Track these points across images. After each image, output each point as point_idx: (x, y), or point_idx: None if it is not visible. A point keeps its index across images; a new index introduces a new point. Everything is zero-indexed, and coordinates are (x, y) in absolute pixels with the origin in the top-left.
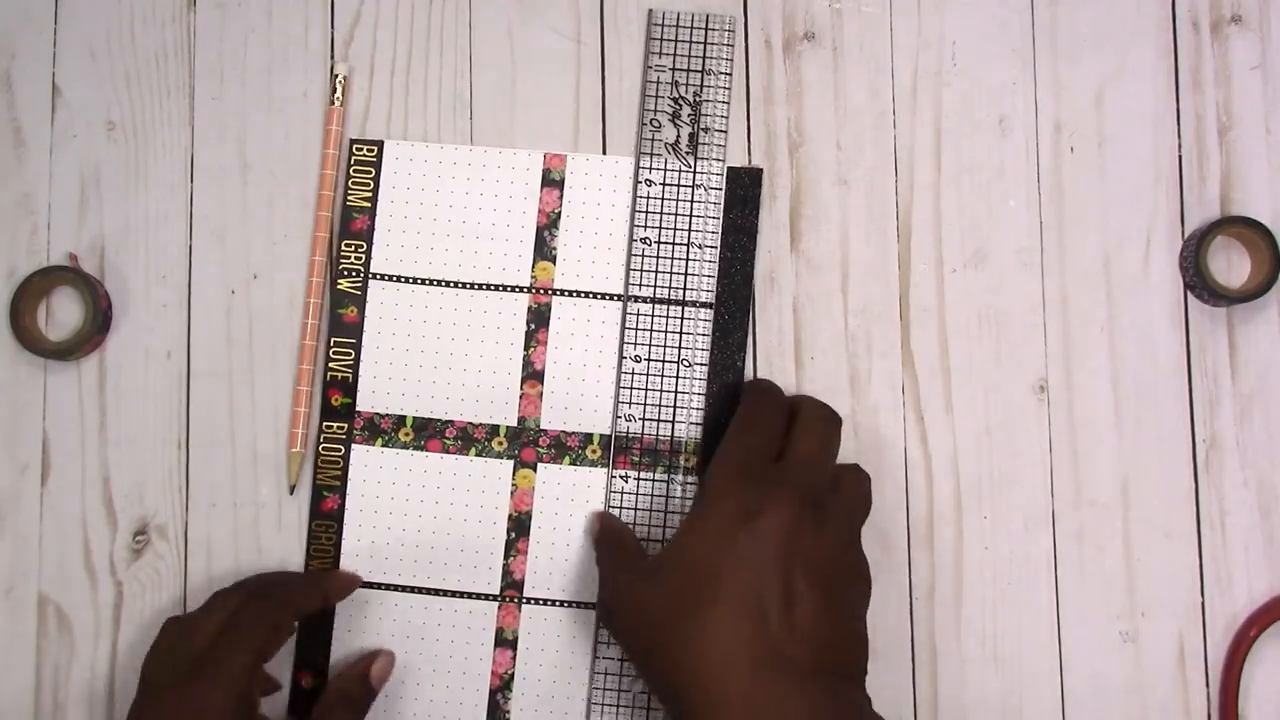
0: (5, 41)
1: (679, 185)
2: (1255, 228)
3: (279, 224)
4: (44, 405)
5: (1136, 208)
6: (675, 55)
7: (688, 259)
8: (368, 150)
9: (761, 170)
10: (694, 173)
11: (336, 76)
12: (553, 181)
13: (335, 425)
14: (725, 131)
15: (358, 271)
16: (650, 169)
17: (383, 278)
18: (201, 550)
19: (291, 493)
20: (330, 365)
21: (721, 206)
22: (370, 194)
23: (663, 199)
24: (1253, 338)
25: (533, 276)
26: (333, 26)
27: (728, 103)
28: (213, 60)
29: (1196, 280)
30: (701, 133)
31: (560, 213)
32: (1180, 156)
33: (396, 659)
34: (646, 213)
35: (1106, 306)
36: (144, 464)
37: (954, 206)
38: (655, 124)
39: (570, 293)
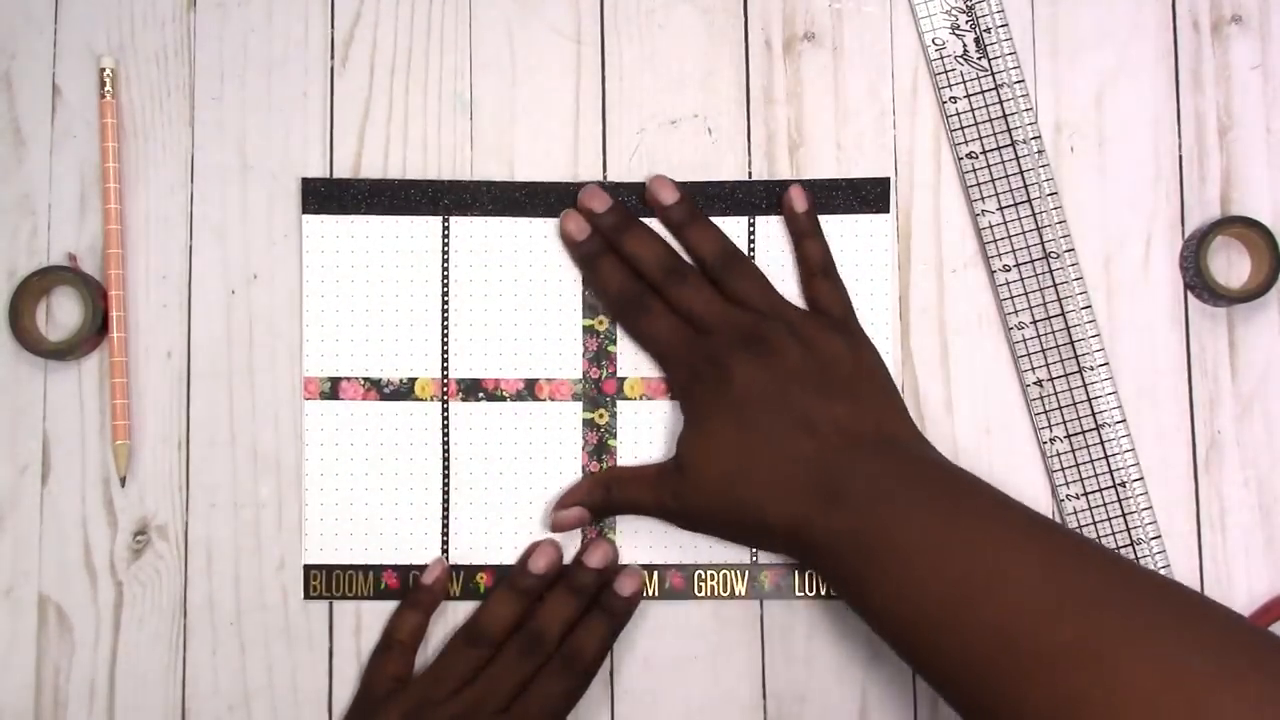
0: (5, 41)
1: (982, 92)
2: (1255, 228)
3: (279, 224)
4: (44, 405)
5: (1136, 208)
6: None
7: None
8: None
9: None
10: (992, 74)
11: (104, 70)
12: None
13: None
14: (1007, 25)
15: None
16: (950, 85)
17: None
18: (201, 550)
19: (123, 485)
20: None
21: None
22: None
23: (973, 111)
24: (1253, 338)
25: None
26: (333, 26)
27: None
28: (213, 60)
29: (1196, 280)
30: (984, 34)
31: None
32: (1180, 156)
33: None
34: (963, 127)
35: (1106, 306)
36: (144, 464)
37: (954, 206)
38: (939, 43)
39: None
